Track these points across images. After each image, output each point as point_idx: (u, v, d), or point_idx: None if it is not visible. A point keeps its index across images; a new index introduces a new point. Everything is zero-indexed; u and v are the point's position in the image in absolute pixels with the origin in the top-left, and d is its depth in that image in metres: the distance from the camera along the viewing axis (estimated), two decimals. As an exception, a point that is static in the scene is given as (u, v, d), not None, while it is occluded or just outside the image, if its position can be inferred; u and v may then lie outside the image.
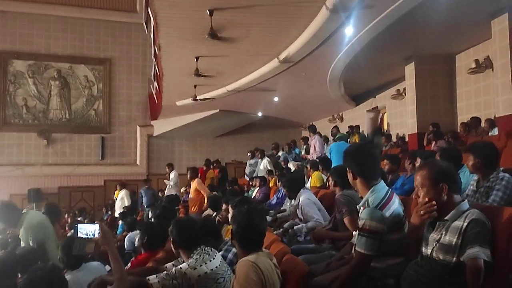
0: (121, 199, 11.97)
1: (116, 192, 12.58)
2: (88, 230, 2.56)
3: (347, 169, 2.65)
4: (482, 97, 8.84)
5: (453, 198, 2.18)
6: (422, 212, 2.28)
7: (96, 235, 2.51)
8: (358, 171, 2.57)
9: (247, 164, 11.82)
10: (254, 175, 10.35)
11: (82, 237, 2.55)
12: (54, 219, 5.34)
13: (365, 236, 2.36)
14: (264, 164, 10.66)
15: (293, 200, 5.83)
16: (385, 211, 2.41)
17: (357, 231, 2.44)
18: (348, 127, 12.62)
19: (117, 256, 2.56)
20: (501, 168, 3.45)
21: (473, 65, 8.76)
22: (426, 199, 2.21)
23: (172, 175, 11.52)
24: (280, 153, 12.12)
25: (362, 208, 2.51)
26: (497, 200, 3.20)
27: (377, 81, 12.02)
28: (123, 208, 11.07)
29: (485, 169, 3.38)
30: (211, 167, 11.95)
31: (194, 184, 8.11)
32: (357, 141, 11.50)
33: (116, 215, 11.51)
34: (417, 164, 4.70)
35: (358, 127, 12.38)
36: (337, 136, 8.48)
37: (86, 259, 3.23)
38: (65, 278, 2.19)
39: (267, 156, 11.15)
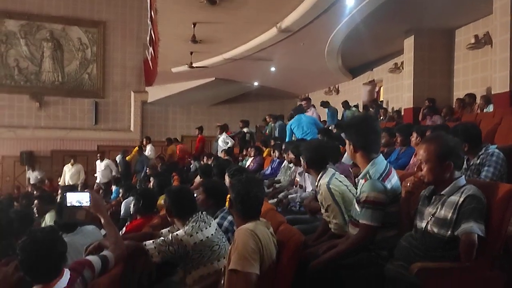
0: (76, 172, 12.26)
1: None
2: (78, 198, 2.54)
3: (347, 142, 2.64)
4: (479, 73, 8.81)
5: (453, 174, 2.20)
6: (408, 184, 2.30)
7: (87, 204, 2.51)
8: (360, 144, 2.55)
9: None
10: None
11: (72, 206, 2.54)
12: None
13: (370, 208, 2.38)
14: (222, 140, 10.81)
15: (287, 171, 5.89)
16: (387, 183, 2.43)
17: (360, 204, 2.46)
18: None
19: (110, 223, 2.58)
20: (490, 145, 3.47)
21: (473, 41, 8.69)
22: (429, 175, 2.22)
23: (148, 148, 11.95)
24: (245, 129, 12.21)
25: (362, 180, 2.52)
26: (489, 176, 3.24)
27: (375, 54, 11.92)
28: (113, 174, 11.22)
29: (472, 149, 3.41)
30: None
31: None
32: None
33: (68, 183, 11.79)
34: (413, 139, 4.73)
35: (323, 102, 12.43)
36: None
37: (81, 223, 3.25)
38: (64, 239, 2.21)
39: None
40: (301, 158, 3.45)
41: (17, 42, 15.43)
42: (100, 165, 11.85)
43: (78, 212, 2.59)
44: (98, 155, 12.22)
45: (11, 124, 15.33)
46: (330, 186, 3.03)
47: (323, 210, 3.14)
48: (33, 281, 2.05)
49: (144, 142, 12.45)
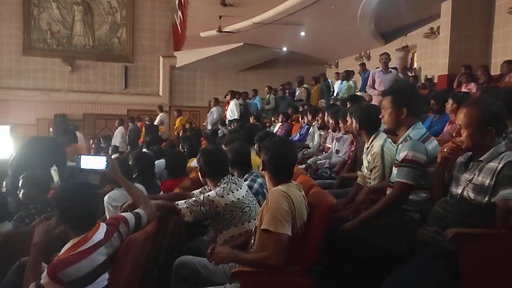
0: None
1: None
2: (94, 162, 2.52)
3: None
4: (520, 39, 8.41)
5: (494, 140, 2.12)
6: (446, 150, 2.23)
7: (103, 168, 2.48)
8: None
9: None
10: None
11: (86, 169, 2.51)
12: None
13: (407, 166, 2.39)
14: (231, 106, 10.80)
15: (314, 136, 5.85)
16: (427, 144, 2.42)
17: (398, 164, 2.44)
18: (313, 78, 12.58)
19: (131, 185, 2.62)
20: None
21: (515, 5, 8.26)
22: (468, 141, 2.14)
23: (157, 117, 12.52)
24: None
25: (401, 144, 2.51)
26: (529, 143, 3.15)
27: (410, 18, 11.46)
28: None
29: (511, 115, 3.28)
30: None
31: None
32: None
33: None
34: (448, 106, 4.59)
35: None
36: None
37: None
38: (99, 194, 2.29)
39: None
40: (352, 119, 3.36)
41: (49, 5, 15.59)
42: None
43: (91, 176, 2.57)
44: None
45: (45, 87, 15.72)
46: (384, 148, 3.02)
47: (367, 171, 3.12)
48: (72, 228, 2.14)
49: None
